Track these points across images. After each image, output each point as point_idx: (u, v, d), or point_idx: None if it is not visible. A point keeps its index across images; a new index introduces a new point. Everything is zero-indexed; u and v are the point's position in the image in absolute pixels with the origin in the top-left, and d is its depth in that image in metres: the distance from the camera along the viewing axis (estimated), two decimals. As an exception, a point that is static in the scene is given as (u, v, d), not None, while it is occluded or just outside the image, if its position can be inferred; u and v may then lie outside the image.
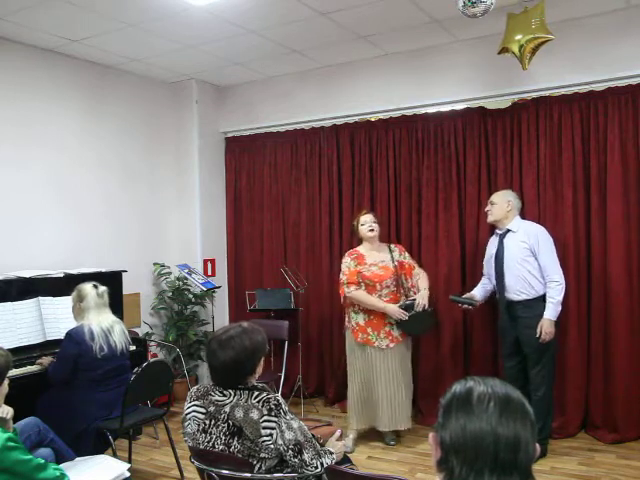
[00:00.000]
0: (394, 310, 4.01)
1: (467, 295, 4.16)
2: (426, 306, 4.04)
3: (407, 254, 4.29)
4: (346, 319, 4.25)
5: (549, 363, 3.86)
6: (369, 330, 4.09)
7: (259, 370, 2.29)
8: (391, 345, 4.08)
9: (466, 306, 4.09)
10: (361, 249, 4.23)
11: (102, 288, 3.56)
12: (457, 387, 1.20)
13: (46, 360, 3.65)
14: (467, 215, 4.60)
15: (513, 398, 1.16)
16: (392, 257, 4.17)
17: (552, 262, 3.82)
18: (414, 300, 4.04)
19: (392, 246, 4.28)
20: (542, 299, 3.81)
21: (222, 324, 4.81)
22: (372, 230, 4.16)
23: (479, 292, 4.16)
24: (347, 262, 4.17)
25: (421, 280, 4.19)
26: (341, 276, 4.17)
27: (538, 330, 3.75)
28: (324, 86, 5.19)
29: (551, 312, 3.77)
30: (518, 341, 3.91)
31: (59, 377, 3.43)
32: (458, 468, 1.11)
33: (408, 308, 4.01)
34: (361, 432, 4.25)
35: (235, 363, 2.19)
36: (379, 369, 4.08)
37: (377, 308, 4.04)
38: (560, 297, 3.78)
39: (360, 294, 4.07)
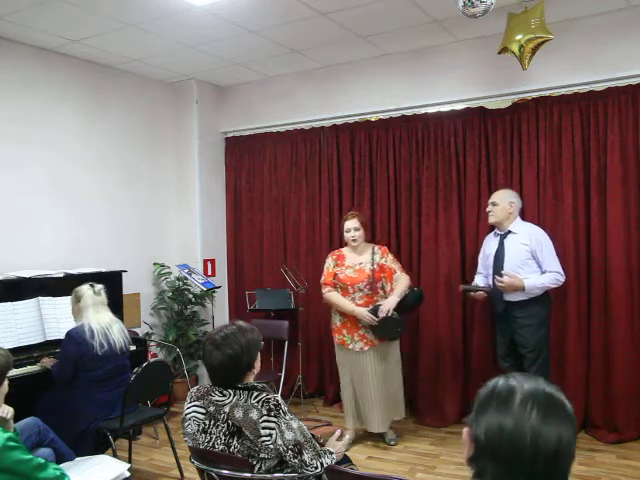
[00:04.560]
0: (362, 313, 3.95)
1: (474, 283, 4.12)
2: (390, 312, 3.90)
3: (390, 257, 4.15)
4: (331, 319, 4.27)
5: (545, 362, 3.85)
6: (344, 332, 4.10)
7: (257, 366, 2.29)
8: (365, 348, 4.04)
9: (480, 292, 4.02)
10: (345, 250, 4.25)
11: (99, 286, 3.55)
12: (499, 382, 1.13)
13: (48, 361, 3.65)
14: (467, 215, 4.60)
15: (556, 400, 1.09)
16: (373, 260, 4.08)
17: (556, 263, 3.81)
18: (380, 305, 3.94)
19: (376, 248, 4.17)
20: (538, 300, 3.80)
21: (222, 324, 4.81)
22: (354, 240, 4.09)
23: (481, 282, 4.12)
24: (328, 262, 4.22)
25: (398, 285, 4.04)
26: (321, 276, 4.22)
27: (504, 277, 3.74)
28: (324, 86, 5.18)
29: (530, 282, 3.72)
30: (514, 342, 3.90)
31: (63, 378, 3.43)
32: (490, 469, 1.06)
33: (375, 312, 3.93)
34: (359, 432, 4.24)
35: (233, 361, 2.18)
36: (359, 371, 4.08)
37: (346, 311, 4.04)
38: (548, 284, 3.76)
39: (333, 295, 4.09)
